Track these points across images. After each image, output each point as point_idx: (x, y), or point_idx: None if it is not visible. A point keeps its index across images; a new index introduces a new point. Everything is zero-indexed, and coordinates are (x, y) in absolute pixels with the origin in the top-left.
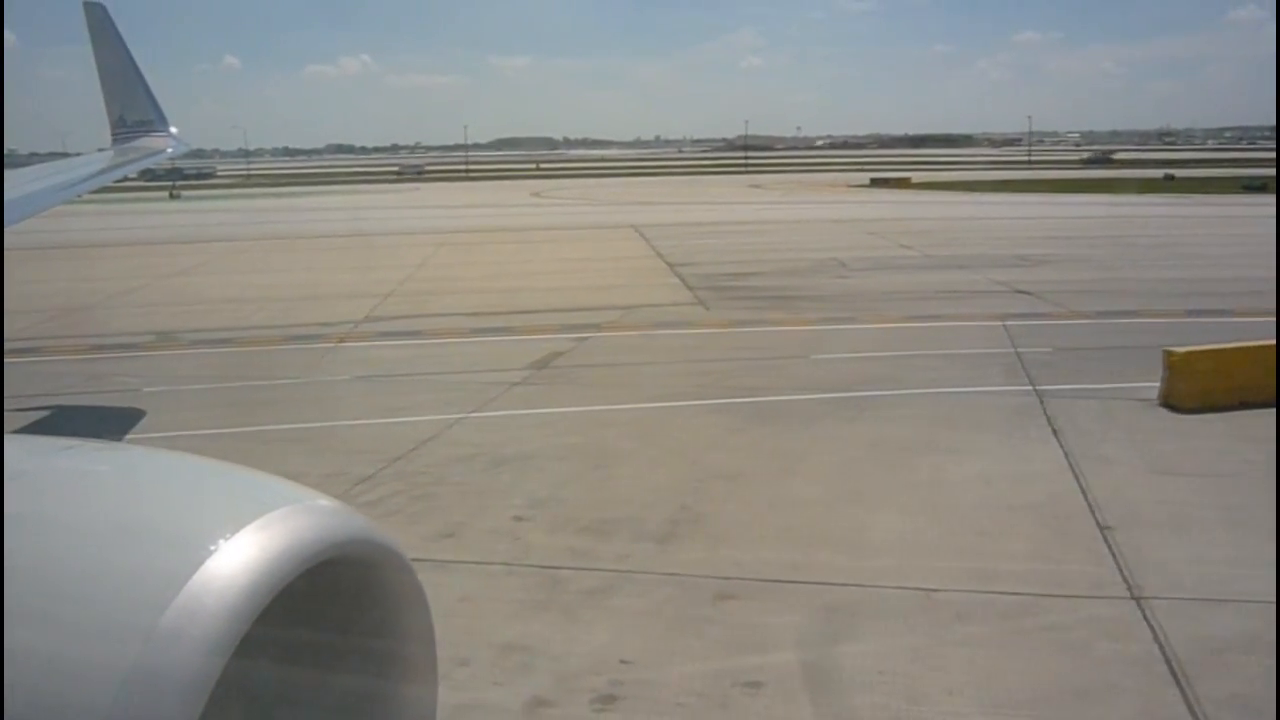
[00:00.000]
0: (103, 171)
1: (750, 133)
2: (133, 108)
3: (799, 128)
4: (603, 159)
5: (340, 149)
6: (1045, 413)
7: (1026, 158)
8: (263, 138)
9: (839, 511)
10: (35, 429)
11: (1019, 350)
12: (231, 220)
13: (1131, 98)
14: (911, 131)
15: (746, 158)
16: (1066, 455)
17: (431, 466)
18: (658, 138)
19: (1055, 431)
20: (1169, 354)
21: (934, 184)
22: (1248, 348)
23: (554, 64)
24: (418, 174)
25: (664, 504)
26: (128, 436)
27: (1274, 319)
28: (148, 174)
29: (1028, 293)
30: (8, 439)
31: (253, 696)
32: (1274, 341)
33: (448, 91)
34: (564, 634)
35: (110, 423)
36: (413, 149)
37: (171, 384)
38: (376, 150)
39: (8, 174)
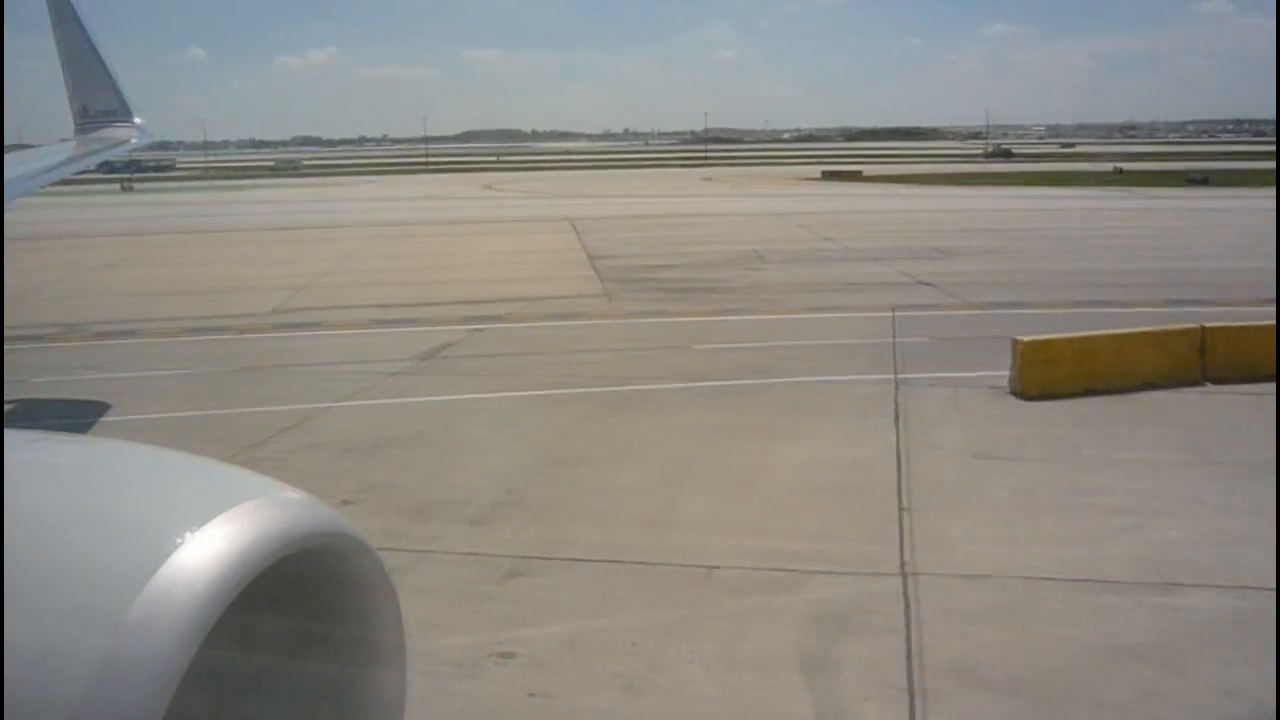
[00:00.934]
0: (64, 163)
1: (720, 125)
2: (96, 97)
3: (768, 120)
4: (567, 152)
5: (308, 141)
6: (896, 400)
7: (983, 151)
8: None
9: (656, 494)
10: None
11: (897, 340)
12: (176, 213)
13: (1098, 91)
14: (880, 124)
15: (707, 151)
16: (898, 440)
17: (280, 453)
18: (627, 130)
19: (897, 418)
20: (1015, 343)
21: (886, 177)
22: (1092, 337)
23: (525, 56)
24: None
25: (492, 488)
26: (93, 429)
27: (1164, 309)
28: (105, 166)
29: (929, 284)
30: None
31: (222, 686)
32: (1116, 330)
33: (416, 84)
34: None
35: None
36: (379, 140)
37: (60, 375)
38: (344, 142)
39: None
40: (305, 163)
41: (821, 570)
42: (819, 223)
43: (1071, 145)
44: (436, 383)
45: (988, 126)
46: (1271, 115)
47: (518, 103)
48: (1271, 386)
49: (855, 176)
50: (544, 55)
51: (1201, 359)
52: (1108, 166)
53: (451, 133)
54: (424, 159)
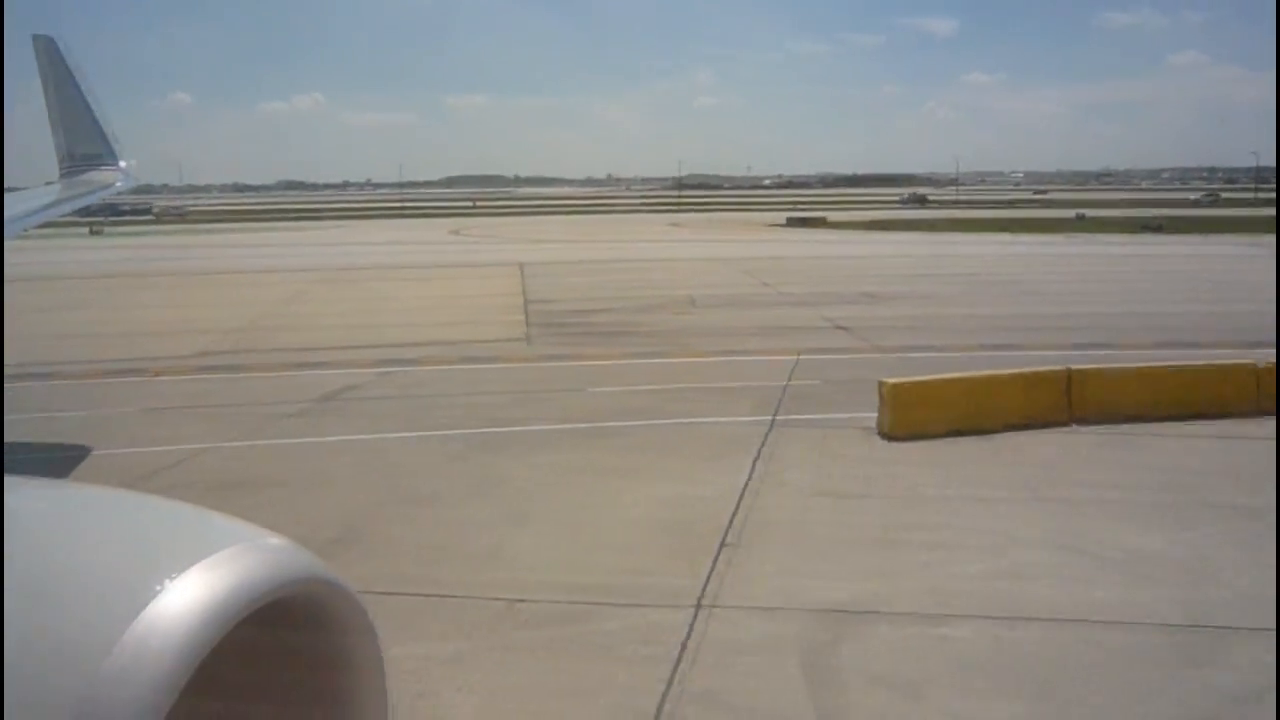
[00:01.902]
0: (50, 205)
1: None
2: (82, 141)
3: (750, 167)
4: (546, 197)
5: (292, 185)
6: (763, 441)
7: (954, 197)
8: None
9: (495, 530)
10: None
11: (790, 383)
12: (135, 256)
13: (1076, 139)
14: (860, 171)
15: (680, 197)
16: (749, 479)
17: (153, 490)
18: (609, 176)
19: (757, 458)
20: (881, 384)
21: (849, 224)
22: (959, 379)
23: (509, 103)
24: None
25: (334, 525)
26: (71, 475)
27: (1069, 352)
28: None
29: (846, 328)
30: None
31: None
32: (986, 372)
33: (400, 129)
34: None
35: None
36: (362, 185)
37: None
38: (328, 186)
39: None
40: (284, 206)
41: (620, 603)
42: (762, 268)
43: (1044, 192)
44: (324, 424)
45: (957, 173)
46: (1245, 164)
47: (501, 148)
48: (1134, 427)
49: (819, 223)
50: (528, 101)
51: (1068, 401)
52: (1071, 213)
53: (435, 178)
54: (398, 204)
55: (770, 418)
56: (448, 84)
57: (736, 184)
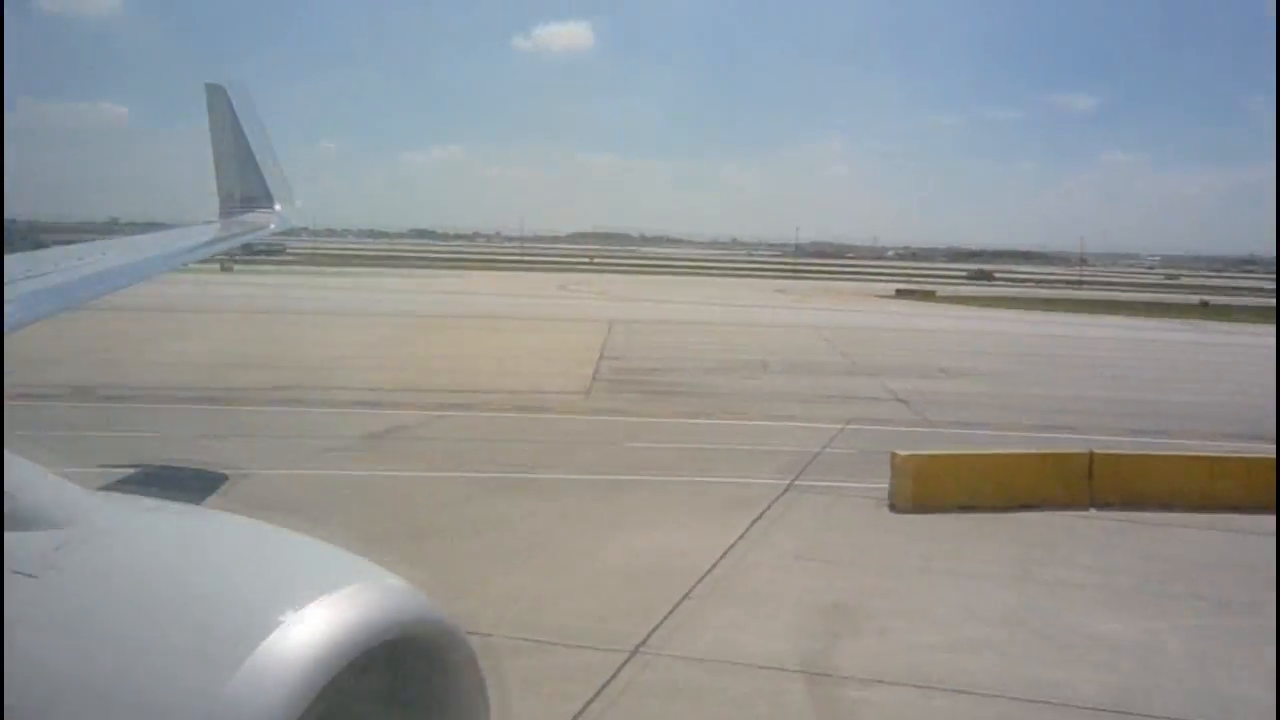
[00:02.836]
0: (209, 243)
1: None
2: (242, 183)
3: (876, 236)
4: (666, 257)
5: (423, 234)
6: (770, 504)
7: (1078, 278)
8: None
9: (481, 567)
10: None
11: (825, 450)
12: (252, 293)
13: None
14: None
15: (797, 264)
16: (741, 539)
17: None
18: (734, 239)
19: (758, 519)
20: (894, 456)
21: (958, 298)
22: (975, 455)
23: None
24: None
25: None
26: (208, 500)
27: (1119, 437)
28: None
29: (905, 401)
30: (102, 496)
31: None
32: (1005, 450)
33: (532, 184)
34: None
35: None
36: (490, 237)
37: (42, 430)
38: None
39: (121, 241)
40: (411, 253)
41: (565, 643)
42: (848, 338)
43: (1176, 277)
44: (361, 460)
45: (1082, 251)
46: None
47: (629, 206)
48: (1155, 515)
49: (928, 296)
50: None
51: (1089, 484)
52: (1195, 299)
53: (563, 232)
54: (519, 256)
55: (788, 482)
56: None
57: (859, 253)
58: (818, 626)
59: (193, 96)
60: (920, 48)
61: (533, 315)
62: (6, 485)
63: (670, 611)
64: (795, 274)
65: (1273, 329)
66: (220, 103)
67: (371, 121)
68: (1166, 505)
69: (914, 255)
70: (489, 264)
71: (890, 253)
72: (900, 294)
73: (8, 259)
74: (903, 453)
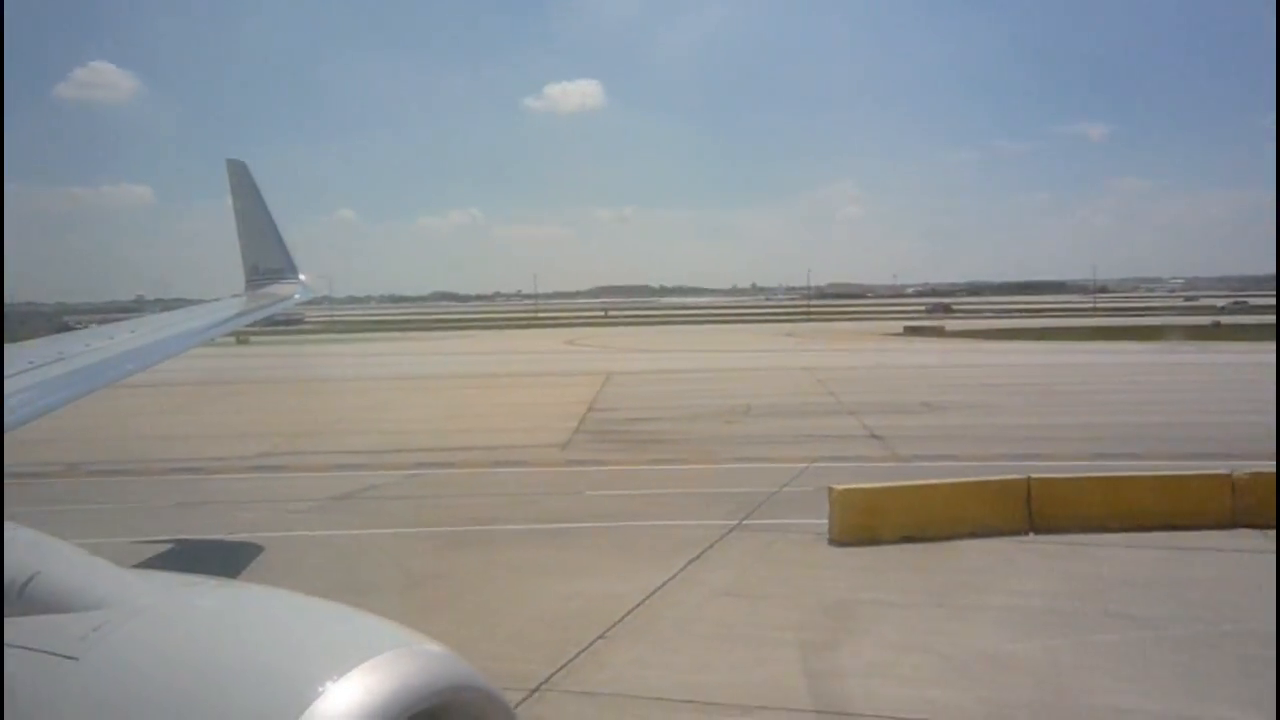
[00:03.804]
0: (236, 316)
1: (845, 280)
2: (266, 256)
3: (895, 275)
4: (684, 307)
5: (445, 296)
6: (712, 544)
7: (1091, 305)
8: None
9: (409, 619)
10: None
11: (783, 489)
12: (256, 365)
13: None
14: (1011, 279)
15: (809, 306)
16: (673, 579)
17: None
18: (753, 285)
19: (695, 559)
20: (830, 491)
21: (968, 332)
22: (912, 486)
23: (655, 215)
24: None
25: None
26: (243, 574)
27: (1088, 462)
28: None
29: (880, 437)
30: (137, 574)
31: None
32: (944, 480)
33: (551, 242)
34: None
35: None
36: (510, 296)
37: (40, 505)
38: (478, 297)
39: (154, 318)
40: (426, 317)
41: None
42: (841, 378)
43: (1195, 299)
44: (325, 520)
45: (1094, 279)
46: None
47: (647, 258)
48: (1092, 538)
49: (937, 332)
50: (674, 213)
51: (1028, 510)
52: (1229, 319)
53: (584, 288)
54: (536, 314)
55: (737, 522)
56: (597, 198)
57: (879, 293)
58: (720, 660)
59: (214, 173)
60: (929, 85)
61: (533, 371)
62: (44, 568)
63: (579, 652)
64: (809, 317)
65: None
66: (241, 177)
67: (388, 188)
68: (1103, 528)
69: (934, 291)
70: (504, 323)
71: (910, 290)
72: (909, 331)
73: (43, 341)
74: (839, 486)
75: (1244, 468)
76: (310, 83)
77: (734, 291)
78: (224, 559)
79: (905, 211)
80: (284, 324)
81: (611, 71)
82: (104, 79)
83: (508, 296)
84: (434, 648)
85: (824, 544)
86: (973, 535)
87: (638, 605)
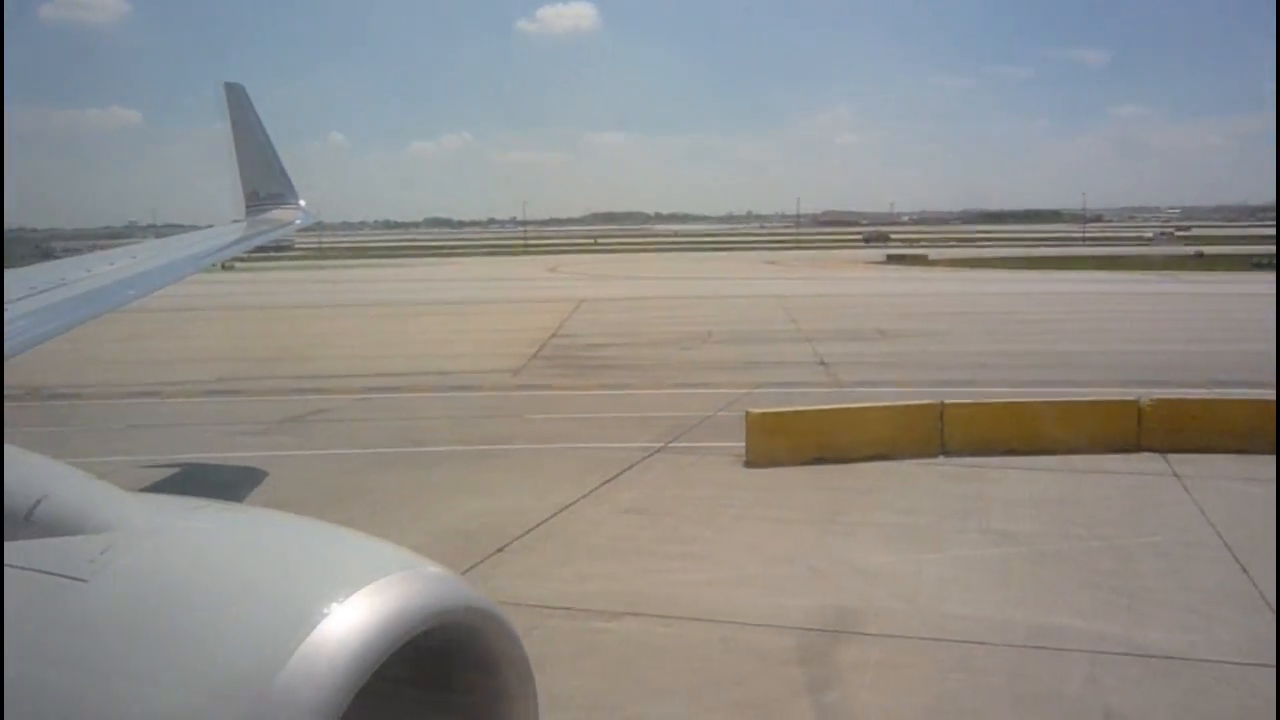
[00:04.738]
0: (237, 242)
1: (842, 208)
2: (265, 181)
3: (892, 203)
4: (677, 234)
5: (438, 222)
6: (631, 465)
7: (1081, 234)
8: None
9: None
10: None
11: (717, 414)
12: (235, 290)
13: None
14: (1008, 207)
15: (799, 234)
16: (584, 497)
17: None
18: (749, 213)
19: (610, 480)
20: (747, 414)
21: (952, 260)
22: (824, 410)
23: (649, 140)
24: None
25: None
26: (248, 498)
27: (1023, 388)
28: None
29: (827, 364)
30: (143, 498)
31: None
32: (855, 405)
33: (545, 167)
34: None
35: None
36: (505, 222)
37: None
38: (473, 224)
39: (156, 243)
40: (417, 243)
41: None
42: (808, 306)
43: (1187, 229)
44: (268, 442)
45: (1085, 209)
46: None
47: (642, 186)
48: (1000, 460)
49: (919, 260)
50: (668, 140)
51: (940, 433)
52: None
53: (578, 214)
54: (526, 240)
55: (662, 445)
56: (590, 122)
57: (872, 220)
58: (605, 570)
59: (205, 97)
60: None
61: (507, 298)
62: (51, 491)
63: (475, 564)
64: (798, 245)
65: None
66: (240, 101)
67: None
68: (1014, 451)
69: (924, 220)
70: (494, 250)
71: (905, 218)
72: (891, 259)
73: (45, 267)
74: (755, 410)
75: (1152, 394)
76: (300, 3)
77: (729, 219)
78: (227, 483)
79: (901, 139)
80: (272, 250)
81: None
82: None
83: (502, 223)
84: (438, 570)
85: (739, 466)
86: (884, 457)
87: (543, 522)
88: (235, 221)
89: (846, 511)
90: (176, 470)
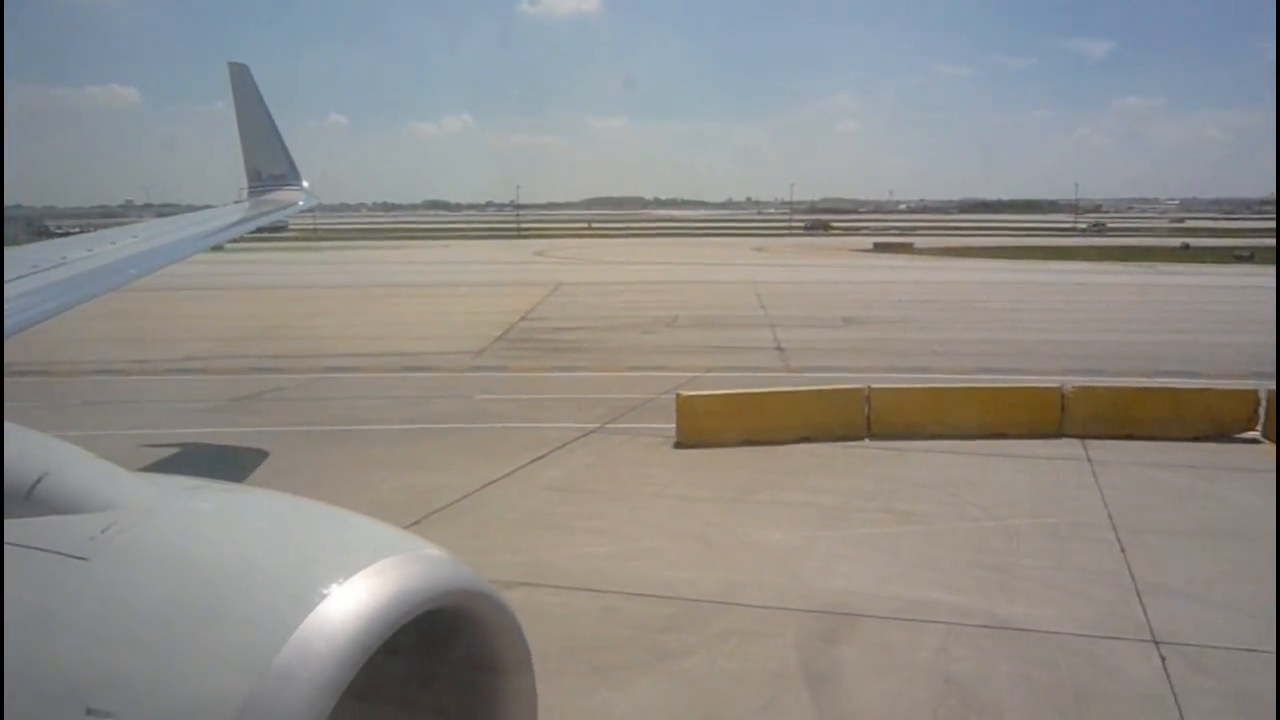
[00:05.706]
0: (239, 222)
1: (841, 195)
2: (269, 162)
3: (891, 191)
4: (673, 220)
5: (436, 205)
6: (564, 445)
7: (1073, 224)
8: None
9: None
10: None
11: (658, 397)
12: (219, 271)
13: (1236, 165)
14: (1007, 197)
15: (792, 221)
16: (509, 475)
17: None
18: (749, 199)
19: (540, 458)
20: (677, 396)
21: (937, 249)
22: (753, 393)
23: (650, 126)
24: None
25: None
26: (249, 478)
27: (970, 376)
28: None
29: (783, 349)
30: (144, 477)
31: None
32: (784, 388)
33: (545, 151)
34: None
35: None
36: (502, 206)
37: None
38: (470, 207)
39: (158, 223)
40: (413, 226)
41: None
42: (781, 292)
43: (1182, 221)
44: (215, 419)
45: (1077, 199)
46: None
47: (642, 171)
48: (923, 444)
49: (904, 248)
50: (668, 125)
51: (867, 417)
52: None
53: (576, 199)
54: (520, 224)
55: (599, 426)
56: (591, 106)
57: (870, 209)
58: (510, 543)
59: (204, 76)
60: None
61: (486, 282)
62: (53, 469)
63: None
64: (790, 232)
65: (1234, 270)
66: (244, 81)
67: (380, 93)
68: (938, 435)
69: (924, 209)
70: (486, 234)
71: (903, 206)
72: (878, 247)
73: (46, 245)
74: (685, 392)
75: (1074, 382)
76: None
77: (728, 205)
78: (229, 463)
79: (901, 127)
80: (266, 231)
81: None
82: None
83: (500, 206)
84: (437, 552)
85: (668, 447)
86: (810, 440)
87: (464, 497)
88: (237, 202)
89: (759, 491)
90: (177, 449)
